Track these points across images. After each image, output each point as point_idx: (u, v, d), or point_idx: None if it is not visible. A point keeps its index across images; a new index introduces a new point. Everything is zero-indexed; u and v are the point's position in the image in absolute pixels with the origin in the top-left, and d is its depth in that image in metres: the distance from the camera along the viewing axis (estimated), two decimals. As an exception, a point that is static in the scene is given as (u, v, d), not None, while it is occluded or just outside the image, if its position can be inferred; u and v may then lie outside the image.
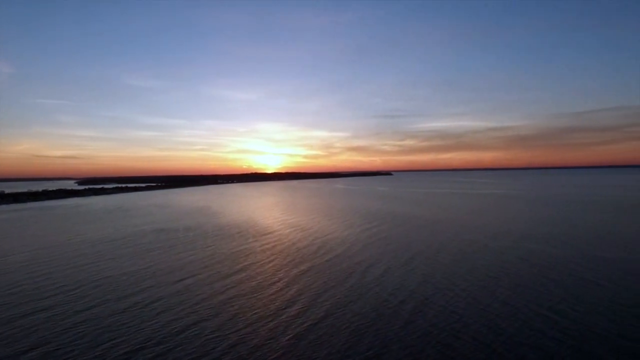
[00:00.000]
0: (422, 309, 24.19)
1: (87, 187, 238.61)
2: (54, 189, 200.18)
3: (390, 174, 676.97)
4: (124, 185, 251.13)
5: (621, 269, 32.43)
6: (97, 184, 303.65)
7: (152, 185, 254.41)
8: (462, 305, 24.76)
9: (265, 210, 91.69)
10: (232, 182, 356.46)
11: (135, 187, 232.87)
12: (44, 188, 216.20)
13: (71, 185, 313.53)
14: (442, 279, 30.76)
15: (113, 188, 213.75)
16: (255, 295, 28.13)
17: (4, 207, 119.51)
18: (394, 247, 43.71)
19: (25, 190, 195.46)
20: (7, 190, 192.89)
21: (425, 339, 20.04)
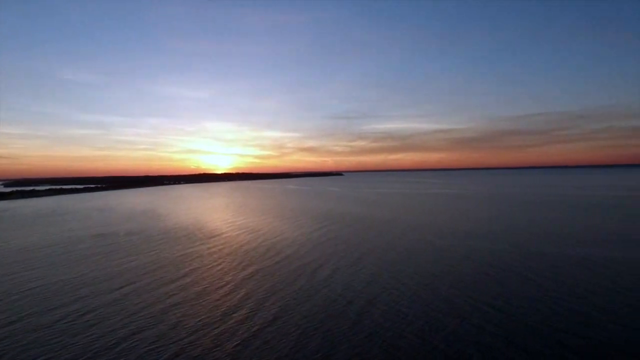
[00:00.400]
0: (369, 309, 24.47)
1: (14, 189, 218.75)
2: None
3: (341, 175, 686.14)
4: (58, 187, 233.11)
5: (553, 263, 34.90)
6: (26, 186, 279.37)
7: (91, 187, 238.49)
8: (407, 303, 25.35)
9: (213, 212, 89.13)
10: (180, 183, 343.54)
11: (72, 189, 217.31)
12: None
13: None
14: (389, 278, 31.40)
15: (46, 190, 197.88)
16: (199, 301, 27.04)
17: None
18: (344, 247, 44.08)
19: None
20: None
21: (372, 339, 20.24)
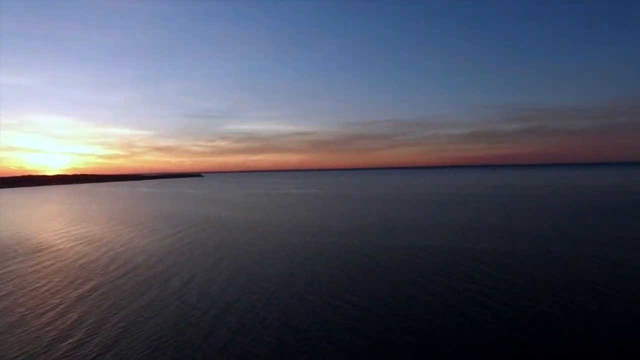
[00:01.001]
0: (225, 317, 23.63)
1: None
2: None
3: (201, 176, 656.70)
4: None
5: (394, 255, 39.43)
6: None
7: None
8: (264, 307, 25.35)
9: (41, 222, 75.05)
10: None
11: None
12: None
13: None
14: (247, 282, 31.01)
15: None
16: (16, 332, 22.15)
17: None
18: (200, 253, 41.97)
19: None
20: None
21: (228, 348, 19.53)
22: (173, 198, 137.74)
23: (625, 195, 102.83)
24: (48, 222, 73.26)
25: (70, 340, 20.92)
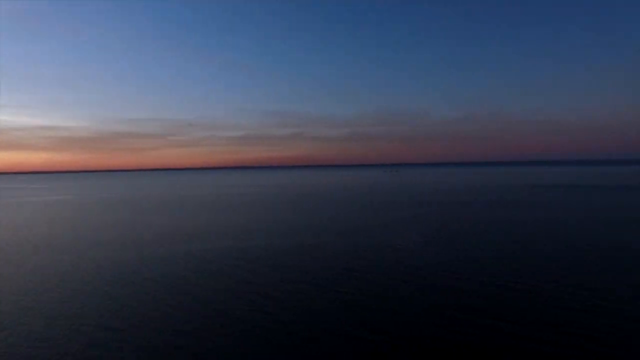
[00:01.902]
0: None
1: None
2: None
3: None
4: None
5: (168, 262, 37.95)
6: None
7: None
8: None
9: None
10: None
11: None
12: None
13: None
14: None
15: None
16: None
17: None
18: None
19: None
20: None
21: None
22: None
23: (370, 193, 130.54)
24: None
25: None
